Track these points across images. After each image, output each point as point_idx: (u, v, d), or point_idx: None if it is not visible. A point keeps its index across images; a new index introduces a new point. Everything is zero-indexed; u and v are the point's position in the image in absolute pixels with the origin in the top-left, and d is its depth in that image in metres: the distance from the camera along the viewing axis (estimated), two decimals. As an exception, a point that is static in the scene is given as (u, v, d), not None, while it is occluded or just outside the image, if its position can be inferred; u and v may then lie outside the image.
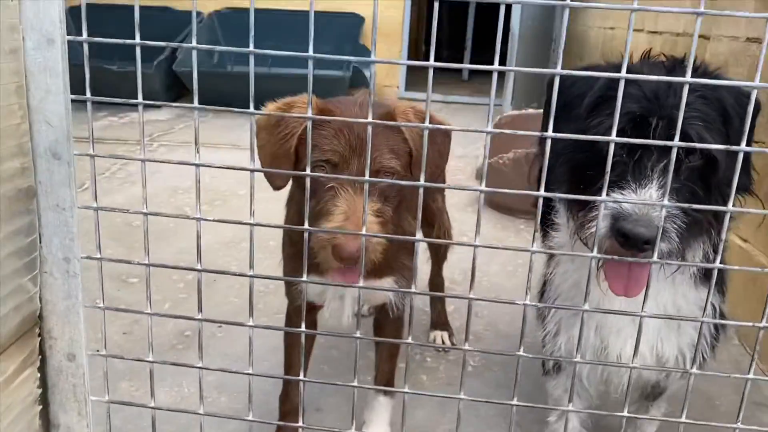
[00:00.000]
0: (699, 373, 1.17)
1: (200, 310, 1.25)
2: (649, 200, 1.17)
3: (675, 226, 1.21)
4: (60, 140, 1.15)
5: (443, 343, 2.59)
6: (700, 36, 2.85)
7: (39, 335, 1.24)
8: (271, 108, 1.61)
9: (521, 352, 1.16)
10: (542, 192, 1.06)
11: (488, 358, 2.47)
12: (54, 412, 1.30)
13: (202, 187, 3.41)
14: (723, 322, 1.21)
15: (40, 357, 1.25)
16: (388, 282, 1.75)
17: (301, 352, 1.76)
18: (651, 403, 1.77)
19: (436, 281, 2.65)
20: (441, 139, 1.55)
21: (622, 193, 1.22)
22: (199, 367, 1.30)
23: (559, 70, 1.01)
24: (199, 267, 1.22)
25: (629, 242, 1.17)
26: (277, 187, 1.60)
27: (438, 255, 2.58)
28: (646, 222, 1.15)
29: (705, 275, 1.45)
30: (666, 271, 1.39)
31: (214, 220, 1.21)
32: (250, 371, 1.27)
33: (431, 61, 1.03)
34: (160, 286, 2.96)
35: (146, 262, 1.24)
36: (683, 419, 1.18)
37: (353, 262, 1.40)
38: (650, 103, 1.25)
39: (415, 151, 1.51)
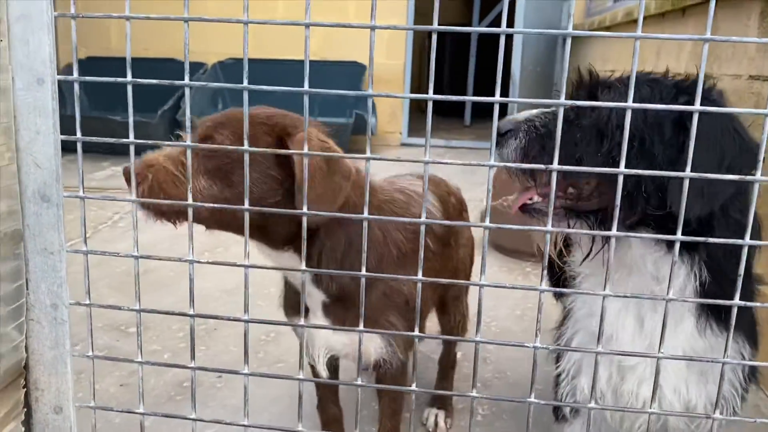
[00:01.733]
0: (722, 418, 1.10)
1: (193, 357, 1.19)
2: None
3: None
4: (49, 182, 1.12)
5: (436, 426, 2.18)
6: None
7: (24, 386, 1.18)
8: None
9: (532, 398, 1.09)
10: (549, 227, 1.01)
11: (498, 406, 2.38)
12: (39, 470, 1.23)
13: (205, 232, 3.35)
14: (745, 362, 1.14)
15: (25, 410, 1.19)
16: (374, 340, 1.59)
17: (323, 400, 1.74)
18: None
19: (446, 361, 2.33)
20: (344, 170, 1.40)
21: None
22: (193, 419, 1.24)
23: (562, 100, 0.97)
24: (191, 312, 1.17)
25: None
26: None
27: (452, 334, 2.23)
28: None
29: (719, 316, 1.35)
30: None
31: (207, 262, 1.16)
32: (246, 422, 1.21)
33: (430, 94, 0.99)
34: (160, 336, 2.89)
35: (137, 307, 1.19)
36: (708, 468, 1.11)
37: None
38: None
39: (298, 173, 1.35)
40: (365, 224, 1.03)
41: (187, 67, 1.08)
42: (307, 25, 1.00)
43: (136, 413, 1.24)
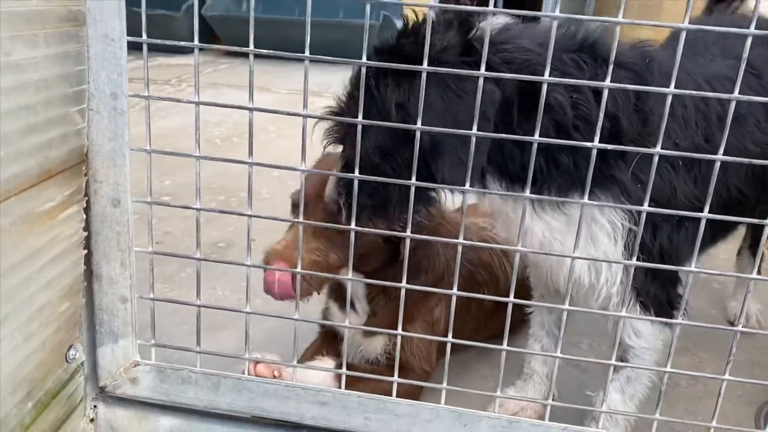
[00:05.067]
0: (635, 264, 1.10)
1: (250, 204, 1.22)
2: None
3: None
4: (110, -37, 1.10)
5: None
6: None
7: (85, 175, 1.20)
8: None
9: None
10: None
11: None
12: (97, 262, 1.27)
13: (232, 121, 3.42)
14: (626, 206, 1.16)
15: (86, 199, 1.21)
16: (379, 341, 1.73)
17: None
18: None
19: None
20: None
21: None
22: (248, 265, 1.28)
23: None
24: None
25: None
26: None
27: None
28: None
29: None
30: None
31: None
32: (299, 269, 1.29)
33: None
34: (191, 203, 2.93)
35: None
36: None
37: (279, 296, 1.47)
38: None
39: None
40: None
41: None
42: None
43: (193, 258, 1.28)
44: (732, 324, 2.20)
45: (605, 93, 1.05)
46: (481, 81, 1.06)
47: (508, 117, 1.20)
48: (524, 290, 1.77)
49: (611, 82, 1.15)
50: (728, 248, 2.29)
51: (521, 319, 1.88)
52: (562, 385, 1.86)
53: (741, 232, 2.17)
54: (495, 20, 1.28)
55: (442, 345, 1.81)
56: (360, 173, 1.17)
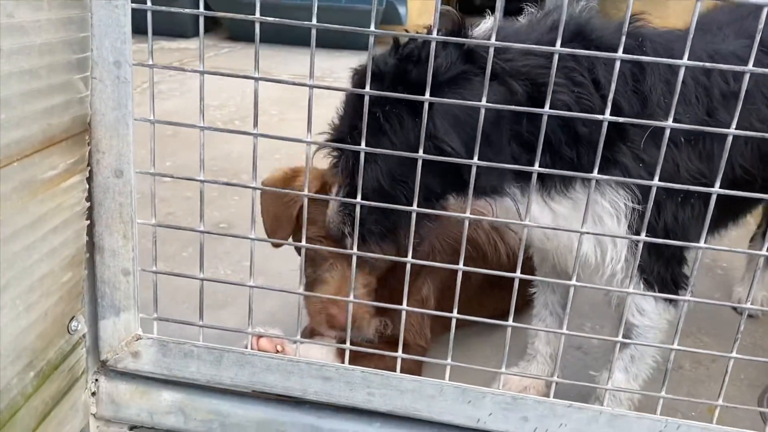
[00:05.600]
0: (642, 239, 1.09)
1: (255, 178, 1.22)
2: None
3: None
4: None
5: None
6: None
7: (88, 144, 1.18)
8: (278, 174, 1.69)
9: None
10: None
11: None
12: (99, 233, 1.26)
13: (234, 104, 3.39)
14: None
15: (89, 169, 1.20)
16: (371, 322, 1.74)
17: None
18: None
19: None
20: None
21: None
22: (252, 239, 1.27)
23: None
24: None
25: None
26: (276, 245, 1.68)
27: None
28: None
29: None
30: None
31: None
32: (303, 242, 1.29)
33: None
34: (192, 185, 2.92)
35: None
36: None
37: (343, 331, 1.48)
38: None
39: None
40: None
41: None
42: None
43: (197, 231, 1.27)
44: (736, 309, 2.19)
45: (617, 64, 1.04)
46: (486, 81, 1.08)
47: (518, 125, 1.22)
48: (527, 270, 1.75)
49: (606, 69, 1.19)
50: (731, 235, 2.28)
51: (523, 301, 1.87)
52: (565, 367, 1.86)
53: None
54: (484, 25, 1.32)
55: (435, 321, 1.85)
56: (368, 199, 1.21)
